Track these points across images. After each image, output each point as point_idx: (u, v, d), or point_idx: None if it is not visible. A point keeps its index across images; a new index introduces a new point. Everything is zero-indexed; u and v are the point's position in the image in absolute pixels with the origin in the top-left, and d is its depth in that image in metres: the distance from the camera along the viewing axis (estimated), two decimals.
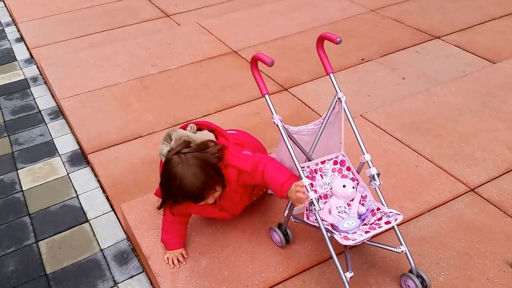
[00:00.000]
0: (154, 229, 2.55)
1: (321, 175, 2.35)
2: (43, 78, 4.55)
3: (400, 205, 2.61)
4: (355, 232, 2.11)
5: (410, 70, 4.12)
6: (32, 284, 2.54)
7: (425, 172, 2.83)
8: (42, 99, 4.21)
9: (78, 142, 3.59)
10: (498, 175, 2.79)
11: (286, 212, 2.32)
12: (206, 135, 2.19)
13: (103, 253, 2.69)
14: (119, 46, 4.83)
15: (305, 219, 2.19)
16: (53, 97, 4.23)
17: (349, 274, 2.04)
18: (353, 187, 2.26)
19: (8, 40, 5.44)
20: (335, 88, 2.31)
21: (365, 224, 2.17)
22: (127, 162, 3.28)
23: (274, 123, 2.19)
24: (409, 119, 3.29)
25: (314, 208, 2.06)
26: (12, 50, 5.20)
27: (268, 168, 2.16)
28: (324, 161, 2.37)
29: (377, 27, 4.90)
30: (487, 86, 3.59)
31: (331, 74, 2.34)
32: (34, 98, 4.23)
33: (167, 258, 2.38)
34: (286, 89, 3.97)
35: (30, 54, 5.04)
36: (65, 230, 2.86)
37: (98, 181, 3.21)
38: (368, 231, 2.06)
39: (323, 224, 2.09)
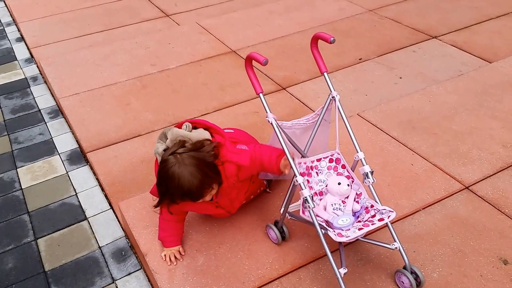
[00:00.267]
0: (151, 226, 2.58)
1: (316, 172, 2.38)
2: (43, 78, 4.58)
3: (396, 202, 2.63)
4: (349, 229, 2.14)
5: (407, 70, 4.14)
6: (31, 281, 2.57)
7: (421, 170, 2.86)
8: (42, 98, 4.24)
9: (77, 141, 3.62)
10: (493, 173, 2.82)
11: (282, 209, 2.35)
12: (202, 133, 2.21)
13: (101, 250, 2.72)
14: (119, 46, 4.86)
15: (300, 213, 2.22)
16: (52, 96, 4.26)
17: (343, 270, 2.07)
18: (348, 185, 2.29)
19: (9, 40, 5.46)
20: (329, 87, 2.34)
21: (359, 221, 2.20)
22: (126, 160, 3.31)
23: (269, 122, 2.22)
24: (405, 118, 3.32)
25: (308, 206, 2.09)
26: (12, 49, 5.23)
27: (263, 152, 2.30)
28: (320, 159, 2.40)
29: (375, 27, 4.92)
30: (483, 85, 3.61)
31: (325, 73, 2.36)
32: (34, 97, 4.26)
33: (165, 255, 2.41)
34: (284, 88, 4.00)
35: (30, 53, 5.07)
36: (63, 228, 2.88)
37: (97, 179, 3.24)
38: (362, 228, 2.09)
39: (318, 220, 2.11)
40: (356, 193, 2.30)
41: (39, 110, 4.07)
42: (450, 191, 2.71)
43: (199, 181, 2.04)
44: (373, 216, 2.18)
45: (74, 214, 2.98)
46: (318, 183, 2.37)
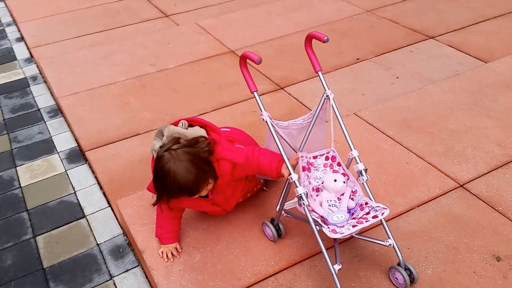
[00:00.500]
0: (149, 224, 2.61)
1: (313, 169, 2.41)
2: (42, 77, 4.60)
3: (391, 200, 2.66)
4: (343, 226, 2.16)
5: (404, 70, 4.17)
6: (30, 277, 2.59)
7: (416, 169, 2.88)
8: (42, 98, 4.26)
9: (76, 140, 3.65)
10: (487, 171, 2.85)
11: (278, 207, 2.38)
12: (198, 131, 2.24)
13: (99, 247, 2.75)
14: (118, 46, 4.89)
15: (297, 205, 2.24)
16: (52, 95, 4.28)
17: (337, 267, 2.09)
18: (344, 182, 2.31)
19: (9, 40, 5.49)
20: (323, 85, 2.37)
21: (354, 218, 2.23)
22: (124, 159, 3.33)
23: (263, 120, 2.24)
24: (401, 117, 3.34)
25: (303, 203, 2.12)
26: (12, 49, 5.25)
27: (262, 155, 2.33)
28: (316, 156, 2.42)
29: (373, 27, 4.95)
30: (478, 85, 3.64)
31: (319, 72, 2.39)
32: (34, 97, 4.28)
33: (162, 252, 2.44)
34: (282, 88, 4.03)
35: (30, 53, 5.10)
36: (62, 226, 2.91)
37: (96, 177, 3.27)
38: (356, 225, 2.12)
39: (313, 216, 2.14)
40: (352, 190, 2.33)
41: (39, 110, 4.09)
42: (445, 189, 2.73)
43: (194, 176, 2.07)
44: (368, 213, 2.21)
45: (73, 212, 3.00)
46: (315, 179, 2.40)
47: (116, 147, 3.46)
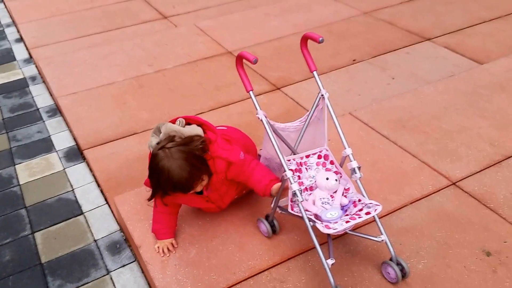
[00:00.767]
0: (145, 220, 2.64)
1: (306, 168, 2.45)
2: (41, 77, 4.64)
3: (384, 197, 2.70)
4: (337, 222, 2.20)
5: (400, 71, 4.21)
6: (28, 272, 2.63)
7: (410, 167, 2.92)
8: (40, 98, 4.30)
9: (74, 139, 3.68)
10: (480, 169, 2.89)
11: (273, 204, 2.41)
12: (194, 129, 2.27)
13: (96, 243, 2.78)
14: (117, 47, 4.94)
15: (289, 209, 2.29)
16: (51, 95, 4.32)
17: (330, 261, 2.13)
18: (336, 180, 2.35)
19: (8, 41, 5.54)
20: (318, 85, 2.41)
21: (347, 215, 2.26)
22: (122, 157, 3.37)
23: (259, 118, 2.28)
24: (396, 117, 3.38)
25: (297, 199, 2.16)
26: (12, 50, 5.30)
27: (257, 168, 2.41)
28: (309, 155, 2.47)
29: (370, 29, 5.00)
30: (473, 86, 3.68)
31: (314, 72, 2.43)
32: (33, 97, 4.32)
33: (158, 247, 2.48)
34: (279, 89, 4.07)
35: (29, 54, 5.14)
36: (60, 222, 2.94)
37: (93, 175, 3.30)
38: (349, 221, 2.16)
39: (306, 214, 2.18)
40: (344, 188, 2.37)
41: (38, 109, 4.13)
42: (438, 187, 2.77)
43: (188, 173, 2.11)
44: (360, 209, 2.24)
45: (71, 208, 3.04)
46: (308, 178, 2.43)
47: (114, 146, 3.49)
